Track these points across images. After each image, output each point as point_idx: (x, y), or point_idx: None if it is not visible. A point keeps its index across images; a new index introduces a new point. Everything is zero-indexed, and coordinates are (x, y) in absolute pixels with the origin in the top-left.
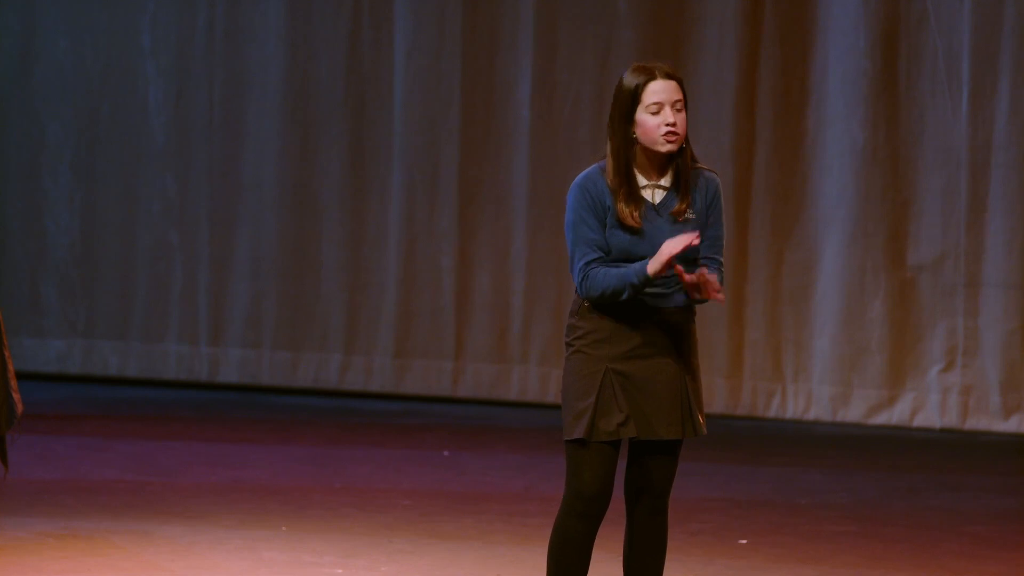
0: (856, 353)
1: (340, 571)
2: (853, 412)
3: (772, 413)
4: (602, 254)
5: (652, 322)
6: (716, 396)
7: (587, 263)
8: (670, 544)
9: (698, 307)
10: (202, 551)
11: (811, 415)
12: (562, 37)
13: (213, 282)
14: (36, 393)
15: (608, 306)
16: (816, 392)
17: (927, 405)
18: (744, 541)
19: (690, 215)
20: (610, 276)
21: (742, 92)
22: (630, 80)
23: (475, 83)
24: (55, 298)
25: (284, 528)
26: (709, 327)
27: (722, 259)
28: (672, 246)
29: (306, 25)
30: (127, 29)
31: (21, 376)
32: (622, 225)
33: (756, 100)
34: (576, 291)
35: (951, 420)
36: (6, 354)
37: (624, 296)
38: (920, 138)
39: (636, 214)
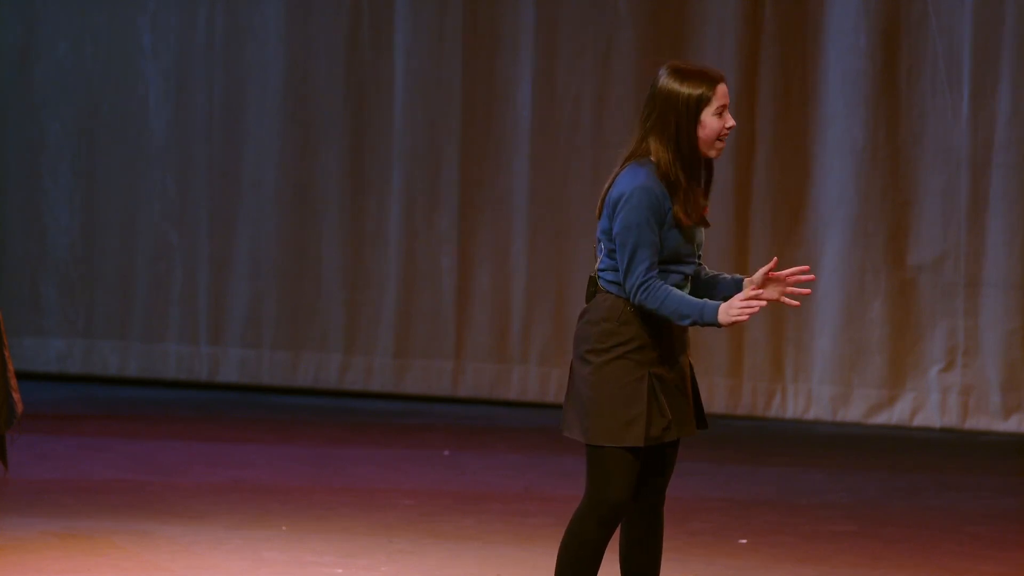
0: (856, 353)
1: (340, 571)
2: (853, 412)
3: (772, 413)
4: (657, 258)
5: (674, 323)
6: (716, 396)
7: (648, 268)
8: (670, 544)
9: None
10: (202, 551)
11: (811, 415)
12: (562, 37)
13: (213, 282)
14: (36, 393)
15: (656, 314)
16: (816, 392)
17: (927, 405)
18: (744, 541)
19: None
20: (673, 299)
21: (742, 92)
22: (694, 84)
23: (475, 83)
24: (55, 298)
25: (284, 528)
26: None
27: None
28: (749, 308)
29: (306, 25)
30: (127, 29)
31: (21, 376)
32: (679, 226)
33: (756, 100)
34: (625, 294)
35: (951, 420)
36: (6, 354)
37: (681, 323)
38: (920, 138)
39: (696, 213)
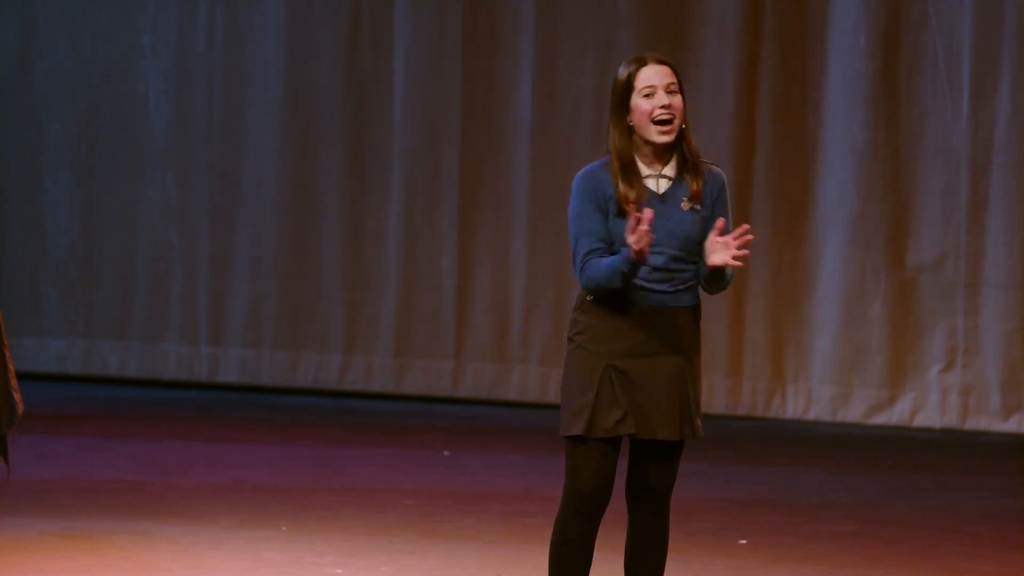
0: (856, 353)
1: (340, 571)
2: (853, 412)
3: (772, 413)
4: (603, 246)
5: (655, 321)
6: (716, 396)
7: (586, 254)
8: (670, 544)
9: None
10: (202, 551)
11: (811, 415)
12: (562, 37)
13: (213, 282)
14: (36, 393)
15: (611, 302)
16: (816, 392)
17: (927, 405)
18: (744, 541)
19: (696, 204)
20: (603, 265)
21: (742, 92)
22: (623, 69)
23: (475, 83)
24: (55, 298)
25: (284, 528)
26: (709, 327)
27: None
28: (637, 238)
29: (306, 25)
30: (127, 29)
31: (21, 376)
32: (624, 213)
33: (756, 100)
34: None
35: (951, 420)
36: (6, 354)
37: (618, 283)
38: (920, 138)
39: (637, 198)
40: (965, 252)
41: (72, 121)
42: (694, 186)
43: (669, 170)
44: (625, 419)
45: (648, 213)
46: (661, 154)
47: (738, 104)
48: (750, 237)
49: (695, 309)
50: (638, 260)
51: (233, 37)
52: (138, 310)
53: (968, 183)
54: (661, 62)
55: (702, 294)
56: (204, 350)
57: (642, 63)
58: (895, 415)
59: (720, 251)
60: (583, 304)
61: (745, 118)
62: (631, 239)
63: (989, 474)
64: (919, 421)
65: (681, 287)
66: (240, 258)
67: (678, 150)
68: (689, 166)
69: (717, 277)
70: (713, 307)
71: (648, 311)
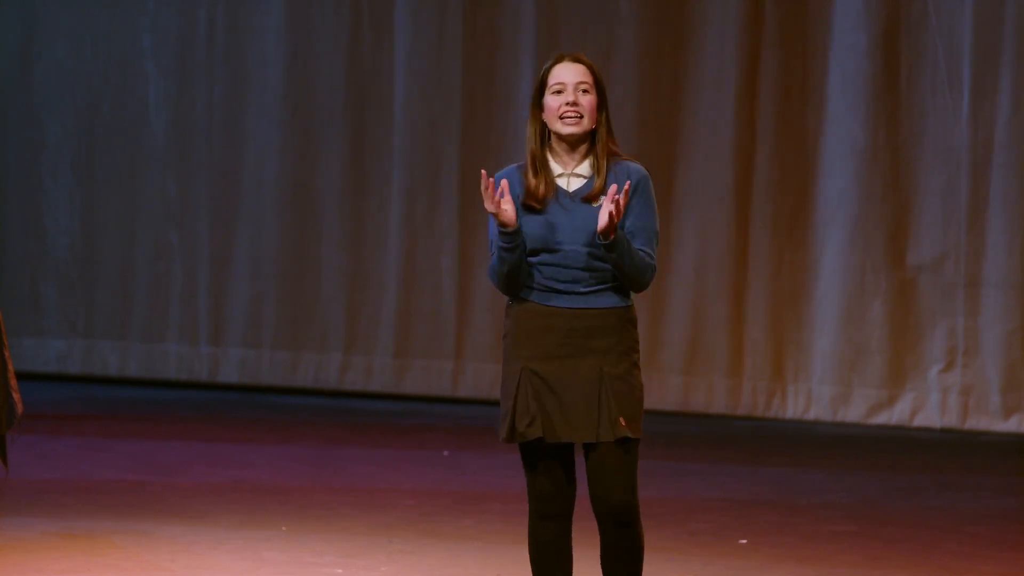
0: (856, 353)
1: (340, 571)
2: (853, 412)
3: (772, 413)
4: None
5: (571, 323)
6: (716, 396)
7: (493, 253)
8: (670, 544)
9: (700, 307)
10: (202, 551)
11: (811, 415)
12: (563, 37)
13: (213, 282)
14: (36, 393)
15: (528, 305)
16: (816, 392)
17: (927, 405)
18: (744, 541)
19: (603, 200)
20: (493, 256)
21: (743, 92)
22: (542, 68)
23: (475, 83)
24: (55, 298)
25: (284, 528)
26: (709, 327)
27: (652, 251)
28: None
29: (306, 25)
30: (127, 29)
31: (21, 376)
32: (529, 209)
33: (757, 100)
34: None
35: (951, 420)
36: (6, 354)
37: (505, 267)
38: (920, 138)
39: (541, 195)
40: (965, 252)
41: (72, 121)
42: (597, 184)
43: (583, 169)
44: (533, 423)
45: (488, 178)
46: (574, 152)
47: (738, 104)
48: (619, 198)
49: (621, 311)
50: (502, 226)
51: (233, 37)
52: (138, 310)
53: (968, 183)
54: (578, 60)
55: (646, 297)
56: (204, 350)
57: (558, 60)
58: (895, 415)
59: (604, 216)
60: (507, 308)
61: (745, 118)
62: (486, 196)
63: (989, 474)
64: (919, 421)
65: (599, 287)
66: (240, 258)
67: (593, 149)
68: (597, 163)
69: (609, 248)
70: (713, 307)
71: (563, 313)
